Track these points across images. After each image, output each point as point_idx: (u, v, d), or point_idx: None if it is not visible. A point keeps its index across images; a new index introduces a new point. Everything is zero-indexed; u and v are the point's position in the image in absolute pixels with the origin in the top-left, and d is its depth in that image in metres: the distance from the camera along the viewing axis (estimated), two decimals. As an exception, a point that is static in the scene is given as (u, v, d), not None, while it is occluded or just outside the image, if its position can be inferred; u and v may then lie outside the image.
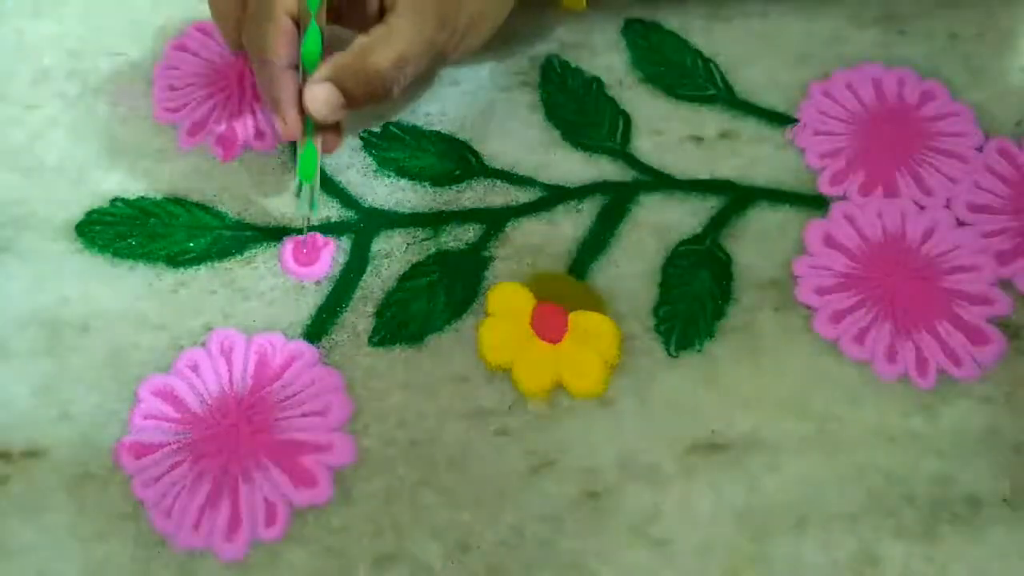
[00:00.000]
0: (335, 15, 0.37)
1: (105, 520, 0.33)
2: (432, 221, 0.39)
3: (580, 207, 0.39)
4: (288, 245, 0.38)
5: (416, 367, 0.36)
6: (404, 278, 0.37)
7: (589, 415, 0.35)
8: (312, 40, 0.35)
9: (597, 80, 0.42)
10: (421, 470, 0.34)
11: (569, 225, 0.39)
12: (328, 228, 0.38)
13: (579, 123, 0.41)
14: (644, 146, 0.41)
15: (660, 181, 0.40)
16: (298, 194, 0.37)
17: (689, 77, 0.42)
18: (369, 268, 0.38)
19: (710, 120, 0.41)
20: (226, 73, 0.42)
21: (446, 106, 0.41)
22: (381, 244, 0.38)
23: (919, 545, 0.33)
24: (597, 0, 0.42)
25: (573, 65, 0.42)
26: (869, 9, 0.44)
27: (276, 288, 0.37)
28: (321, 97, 0.34)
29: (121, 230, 0.38)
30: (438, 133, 0.41)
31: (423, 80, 0.41)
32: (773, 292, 0.37)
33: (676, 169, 0.40)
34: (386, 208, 0.39)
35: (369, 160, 0.40)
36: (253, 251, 0.38)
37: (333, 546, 0.33)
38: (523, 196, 0.39)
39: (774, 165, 0.40)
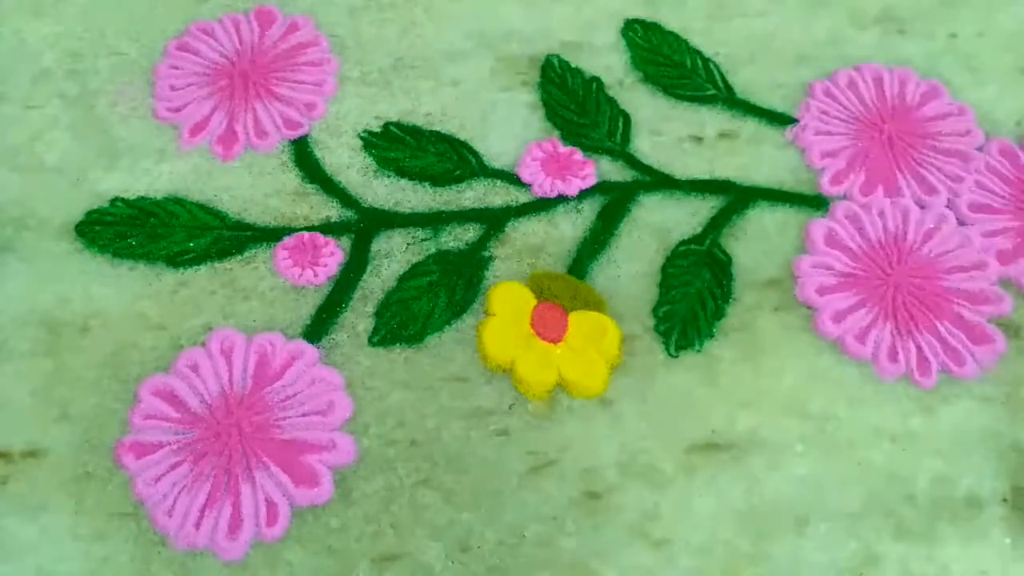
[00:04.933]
0: None
1: (105, 520, 0.33)
2: (432, 221, 0.39)
3: (580, 207, 0.39)
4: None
5: (416, 367, 0.36)
6: (404, 278, 0.37)
7: (589, 415, 0.35)
8: None
9: (597, 80, 0.42)
10: (421, 470, 0.34)
11: (569, 225, 0.39)
12: (328, 228, 0.38)
13: (579, 123, 0.41)
14: (644, 146, 0.41)
15: (660, 181, 0.40)
16: None
17: (689, 77, 0.42)
18: (369, 268, 0.38)
19: (710, 120, 0.41)
20: (227, 73, 0.42)
21: (446, 106, 0.41)
22: (381, 244, 0.38)
23: (919, 545, 0.33)
24: None
25: (573, 65, 0.42)
26: (869, 9, 0.44)
27: (276, 288, 0.37)
28: None
29: (121, 230, 0.38)
30: (438, 133, 0.41)
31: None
32: (773, 292, 0.37)
33: (676, 169, 0.40)
34: (386, 208, 0.39)
35: (369, 160, 0.40)
36: (253, 251, 0.38)
37: (333, 546, 0.33)
38: (523, 196, 0.39)
39: (774, 165, 0.40)
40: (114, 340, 0.36)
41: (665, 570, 0.32)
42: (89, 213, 0.38)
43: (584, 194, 0.39)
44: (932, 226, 0.38)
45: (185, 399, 0.34)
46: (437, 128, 0.41)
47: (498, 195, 0.39)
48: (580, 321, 0.36)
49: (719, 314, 0.37)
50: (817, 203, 0.39)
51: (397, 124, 0.41)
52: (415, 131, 0.41)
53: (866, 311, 0.36)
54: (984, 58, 0.43)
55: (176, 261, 0.37)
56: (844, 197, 0.39)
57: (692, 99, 0.42)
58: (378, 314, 0.37)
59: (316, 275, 0.37)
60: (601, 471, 0.34)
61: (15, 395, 0.35)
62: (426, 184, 0.40)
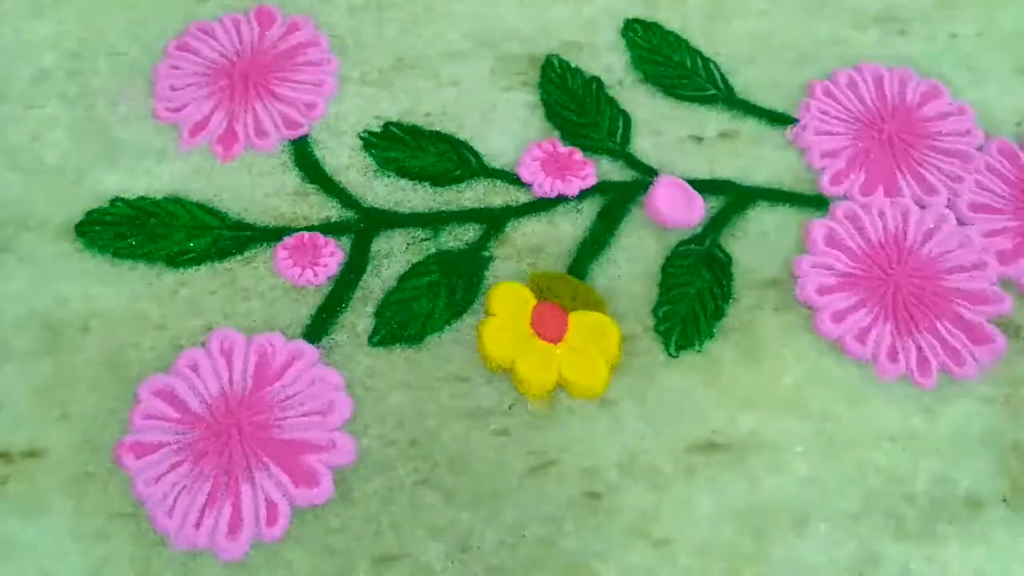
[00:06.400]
0: None
1: (105, 520, 0.33)
2: (432, 221, 0.39)
3: (580, 207, 0.39)
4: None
5: (416, 367, 0.36)
6: (404, 278, 0.37)
7: (589, 415, 0.35)
8: None
9: (597, 80, 0.42)
10: (421, 470, 0.34)
11: (569, 225, 0.39)
12: (328, 228, 0.38)
13: (579, 123, 0.41)
14: (644, 146, 0.41)
15: (660, 181, 0.40)
16: None
17: (689, 77, 0.42)
18: (369, 268, 0.38)
19: (710, 120, 0.41)
20: (227, 73, 0.42)
21: (446, 106, 0.41)
22: (381, 244, 0.38)
23: (919, 545, 0.33)
24: None
25: (573, 65, 0.42)
26: (869, 9, 0.44)
27: (276, 288, 0.37)
28: None
29: (121, 230, 0.38)
30: (438, 133, 0.41)
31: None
32: (773, 292, 0.37)
33: (676, 169, 0.40)
34: (386, 208, 0.39)
35: (369, 160, 0.40)
36: (253, 251, 0.38)
37: (333, 546, 0.33)
38: (523, 196, 0.39)
39: (774, 165, 0.40)
40: (114, 340, 0.36)
41: (665, 570, 0.32)
42: (89, 213, 0.38)
43: (584, 194, 0.39)
44: (932, 226, 0.38)
45: (185, 399, 0.34)
46: (437, 128, 0.41)
47: (498, 195, 0.39)
48: (580, 321, 0.36)
49: (719, 314, 0.37)
50: (817, 203, 0.39)
51: (397, 124, 0.41)
52: (415, 131, 0.41)
53: (866, 311, 0.36)
54: (984, 58, 0.43)
55: (176, 261, 0.38)
56: (844, 197, 0.39)
57: (692, 99, 0.42)
58: (378, 314, 0.37)
59: (316, 275, 0.37)
60: (601, 471, 0.34)
61: (15, 395, 0.35)
62: (426, 184, 0.40)
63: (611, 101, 0.42)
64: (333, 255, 0.38)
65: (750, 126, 0.41)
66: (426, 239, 0.38)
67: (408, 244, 0.38)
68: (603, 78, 0.42)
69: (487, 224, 0.39)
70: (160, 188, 0.39)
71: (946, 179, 0.40)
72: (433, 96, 0.42)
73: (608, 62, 0.43)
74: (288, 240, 0.38)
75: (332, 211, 0.39)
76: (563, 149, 0.40)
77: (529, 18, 0.44)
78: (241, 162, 0.40)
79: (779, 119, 0.41)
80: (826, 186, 0.39)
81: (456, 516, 0.33)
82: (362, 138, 0.41)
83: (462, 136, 0.41)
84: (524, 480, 0.34)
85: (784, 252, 0.38)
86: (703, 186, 0.39)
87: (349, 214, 0.39)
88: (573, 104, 0.41)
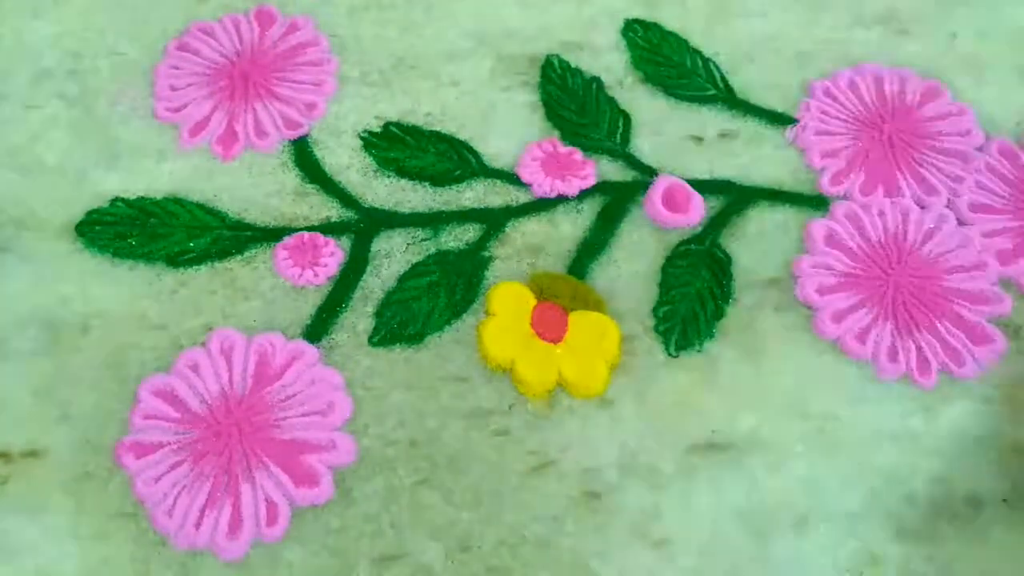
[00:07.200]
0: None
1: (105, 520, 0.33)
2: (432, 221, 0.39)
3: (580, 207, 0.39)
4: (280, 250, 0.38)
5: (416, 367, 0.36)
6: (404, 278, 0.37)
7: (589, 415, 0.35)
8: None
9: (597, 80, 0.42)
10: (421, 470, 0.34)
11: (569, 225, 0.39)
12: (328, 228, 0.38)
13: (579, 123, 0.41)
14: (644, 146, 0.41)
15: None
16: None
17: (689, 77, 0.42)
18: (369, 268, 0.38)
19: (710, 120, 0.41)
20: (227, 73, 0.42)
21: (446, 106, 0.41)
22: (381, 244, 0.38)
23: (919, 545, 0.33)
24: None
25: (573, 65, 0.42)
26: (869, 9, 0.44)
27: (276, 288, 0.37)
28: None
29: (121, 230, 0.38)
30: (438, 133, 0.41)
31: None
32: (773, 292, 0.37)
33: (676, 169, 0.40)
34: (386, 208, 0.39)
35: (369, 160, 0.40)
36: (253, 251, 0.38)
37: (333, 546, 0.33)
38: (523, 196, 0.39)
39: (774, 165, 0.40)
40: (114, 340, 0.36)
41: (665, 570, 0.32)
42: (89, 213, 0.38)
43: (584, 194, 0.39)
44: (932, 226, 0.38)
45: (185, 399, 0.34)
46: (437, 128, 0.41)
47: (498, 195, 0.39)
48: (580, 321, 0.36)
49: (719, 314, 0.37)
50: (817, 203, 0.39)
51: (397, 124, 0.41)
52: (415, 131, 0.41)
53: (866, 311, 0.36)
54: (984, 58, 0.43)
55: (176, 261, 0.38)
56: (844, 197, 0.39)
57: (692, 99, 0.42)
58: (378, 314, 0.37)
59: (316, 275, 0.37)
60: (601, 471, 0.34)
61: (15, 395, 0.35)
62: (426, 184, 0.40)
63: (611, 101, 0.42)
64: (333, 255, 0.38)
65: (750, 126, 0.41)
66: (426, 239, 0.38)
67: (408, 244, 0.38)
68: (603, 78, 0.42)
69: (487, 224, 0.39)
70: (160, 188, 0.39)
71: (946, 179, 0.40)
72: (433, 96, 0.42)
73: (608, 62, 0.43)
74: (288, 240, 0.38)
75: (332, 211, 0.39)
76: (563, 149, 0.40)
77: (529, 18, 0.44)
78: (241, 162, 0.40)
79: (779, 119, 0.41)
80: (826, 186, 0.39)
81: (456, 516, 0.33)
82: (362, 138, 0.41)
83: (462, 136, 0.41)
84: (524, 480, 0.34)
85: (784, 252, 0.38)
86: (703, 186, 0.39)
87: (349, 214, 0.39)
88: (573, 104, 0.41)
